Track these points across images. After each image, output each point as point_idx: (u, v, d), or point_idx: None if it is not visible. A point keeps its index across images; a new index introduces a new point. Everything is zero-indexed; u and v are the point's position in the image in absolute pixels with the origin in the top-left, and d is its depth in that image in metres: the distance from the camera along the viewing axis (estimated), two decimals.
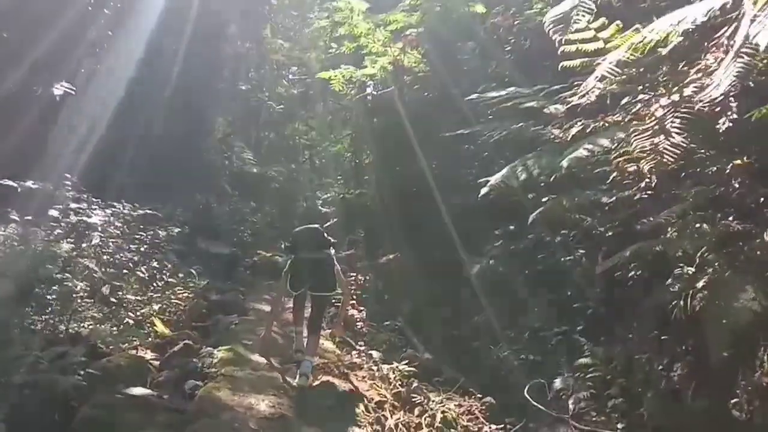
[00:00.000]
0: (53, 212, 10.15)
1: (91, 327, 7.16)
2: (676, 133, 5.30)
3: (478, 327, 10.30)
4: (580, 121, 8.13)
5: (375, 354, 8.77)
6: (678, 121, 5.37)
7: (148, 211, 11.14)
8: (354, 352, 9.01)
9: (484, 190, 7.58)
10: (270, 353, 7.28)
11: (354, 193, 25.32)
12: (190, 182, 22.34)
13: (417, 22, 13.53)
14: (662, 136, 5.37)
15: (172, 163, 23.02)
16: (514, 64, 12.17)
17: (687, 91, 5.62)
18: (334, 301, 8.73)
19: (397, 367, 7.83)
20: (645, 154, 5.47)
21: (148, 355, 7.33)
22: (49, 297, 7.33)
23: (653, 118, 5.73)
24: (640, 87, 7.05)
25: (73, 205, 10.05)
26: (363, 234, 23.98)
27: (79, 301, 7.59)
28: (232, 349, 6.92)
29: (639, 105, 7.11)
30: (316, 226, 7.45)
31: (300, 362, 6.70)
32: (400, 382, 7.47)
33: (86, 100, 14.39)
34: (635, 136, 5.63)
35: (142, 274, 9.17)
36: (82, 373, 5.51)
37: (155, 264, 9.88)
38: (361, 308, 11.84)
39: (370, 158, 23.02)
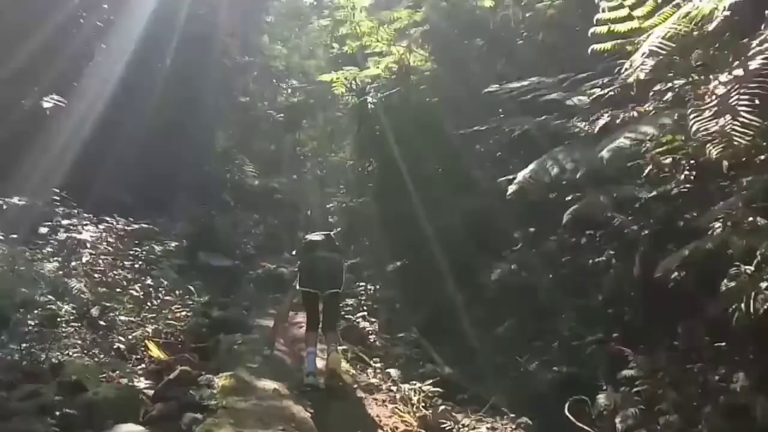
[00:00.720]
0: (42, 229, 9.36)
1: (76, 355, 6.27)
2: (746, 112, 4.43)
3: (501, 337, 9.38)
4: (607, 112, 7.34)
5: (393, 372, 7.88)
6: (746, 98, 4.51)
7: (144, 225, 10.30)
8: (370, 371, 8.13)
9: (512, 188, 6.67)
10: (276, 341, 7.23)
11: (357, 201, 24.47)
12: (191, 196, 21.58)
13: (422, 19, 12.65)
14: (728, 116, 4.50)
15: (171, 177, 22.26)
16: (526, 59, 11.30)
17: (753, 64, 4.75)
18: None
19: (419, 387, 6.93)
20: (709, 139, 4.61)
21: (142, 383, 6.45)
22: (30, 323, 6.46)
23: (714, 96, 4.86)
24: (672, 74, 6.27)
25: (63, 222, 9.25)
26: (368, 242, 23.13)
27: (64, 326, 6.71)
28: (234, 375, 6.00)
29: (673, 93, 6.36)
30: (329, 232, 7.96)
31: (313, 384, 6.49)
32: (424, 404, 6.56)
33: (77, 113, 13.54)
34: (695, 118, 4.75)
35: (136, 293, 8.30)
36: (58, 414, 4.61)
37: (150, 281, 9.01)
38: (373, 320, 10.95)
39: (374, 165, 22.19)
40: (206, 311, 9.93)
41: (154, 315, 7.94)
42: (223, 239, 17.28)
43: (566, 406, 6.70)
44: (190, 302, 8.88)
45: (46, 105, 11.39)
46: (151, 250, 9.97)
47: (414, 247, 18.10)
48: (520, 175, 6.63)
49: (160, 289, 8.74)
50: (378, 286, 12.37)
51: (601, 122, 6.99)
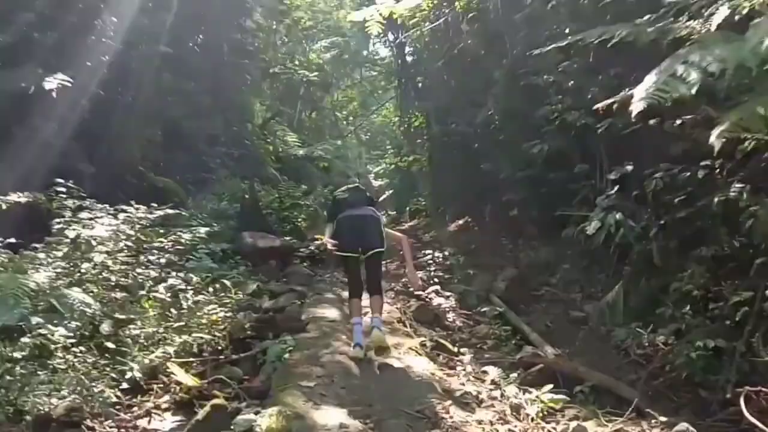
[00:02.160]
0: (51, 228, 7.66)
1: (70, 398, 4.50)
2: None
3: (610, 304, 7.38)
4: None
5: (493, 371, 5.98)
6: None
7: (170, 211, 8.52)
8: (459, 368, 6.26)
9: (638, 106, 4.53)
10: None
11: (407, 160, 22.52)
12: (232, 172, 19.90)
13: None
14: None
15: (205, 154, 20.63)
16: None
17: None
18: None
19: (537, 397, 5.00)
20: None
21: (166, 423, 4.69)
22: (12, 356, 4.73)
23: None
24: None
25: (72, 216, 7.52)
26: (424, 202, 21.21)
27: (60, 355, 4.95)
28: (282, 411, 4.09)
29: None
30: (357, 184, 7.06)
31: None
32: (547, 421, 4.64)
33: (90, 91, 11.81)
34: None
35: (161, 296, 6.51)
36: None
37: (181, 277, 7.23)
38: (447, 293, 9.02)
39: (421, 118, 20.14)
40: (252, 304, 8.17)
41: (183, 323, 6.15)
42: (271, 216, 15.50)
43: (741, 398, 4.67)
44: (230, 298, 6.99)
45: (49, 86, 9.60)
46: (181, 238, 8.19)
47: (477, 202, 16.15)
48: (642, 91, 4.50)
49: (189, 287, 6.92)
50: (446, 252, 10.44)
51: (719, 16, 5.12)
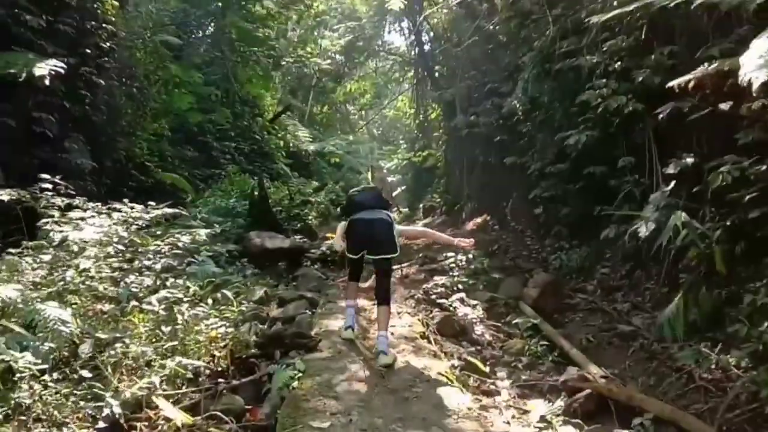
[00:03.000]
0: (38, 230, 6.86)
1: None
2: None
3: (667, 317, 6.42)
4: None
5: (539, 406, 5.06)
6: None
7: (168, 210, 7.67)
8: (496, 396, 5.34)
9: (760, 76, 3.55)
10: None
11: (422, 155, 21.58)
12: (243, 169, 19.09)
13: None
14: None
15: (212, 151, 19.81)
16: None
17: None
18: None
19: None
20: None
21: None
22: None
23: None
24: None
25: (58, 217, 6.70)
26: (439, 199, 20.27)
27: (25, 387, 4.07)
28: None
29: None
30: (374, 185, 6.99)
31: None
32: None
33: (89, 80, 10.99)
34: None
35: (153, 307, 5.62)
36: None
37: (178, 285, 6.35)
38: (474, 302, 8.06)
39: (438, 110, 19.19)
40: (258, 313, 7.28)
41: (177, 341, 5.26)
42: (281, 213, 14.64)
43: None
44: (229, 312, 6.07)
45: (39, 72, 8.74)
46: (179, 241, 7.31)
47: (498, 199, 15.22)
48: (756, 59, 3.55)
49: (186, 297, 6.01)
50: (469, 255, 9.48)
51: None
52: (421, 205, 21.96)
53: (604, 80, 8.29)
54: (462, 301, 7.93)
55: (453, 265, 9.44)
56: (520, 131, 12.92)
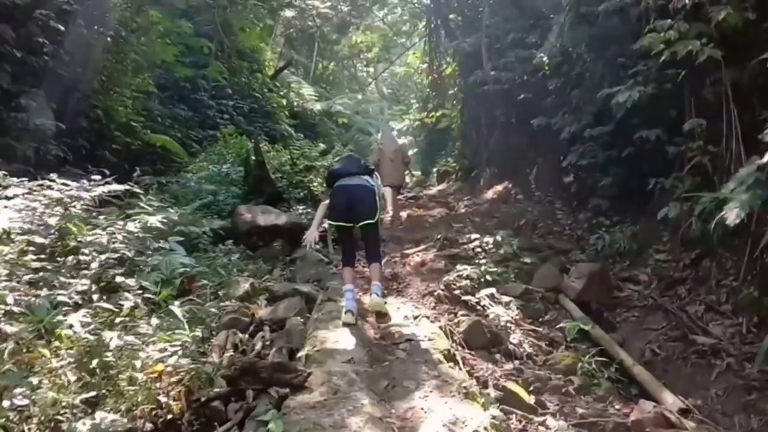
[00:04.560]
0: None
1: None
2: None
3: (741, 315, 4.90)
4: None
5: None
6: None
7: (117, 187, 6.16)
8: None
9: None
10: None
11: (435, 115, 19.87)
12: (242, 130, 17.47)
13: None
14: None
15: (217, 111, 18.22)
16: None
17: None
18: None
19: None
20: None
21: None
22: None
23: None
24: None
25: None
26: (454, 163, 18.61)
27: None
28: None
29: None
30: (351, 153, 7.32)
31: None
32: None
33: (51, 27, 9.38)
34: None
35: (74, 331, 4.08)
36: None
37: (129, 286, 4.84)
38: (506, 298, 6.49)
39: (453, 65, 17.37)
40: (238, 318, 5.77)
41: (113, 379, 3.77)
42: (281, 180, 13.08)
43: None
44: (186, 336, 4.47)
45: None
46: (144, 223, 5.79)
47: (521, 165, 13.59)
48: None
49: (125, 310, 4.48)
50: (498, 237, 7.85)
51: None
52: (434, 170, 20.35)
53: (669, 21, 6.58)
54: (492, 297, 6.39)
55: (478, 249, 7.86)
56: (547, 88, 11.27)
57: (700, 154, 6.64)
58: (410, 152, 23.91)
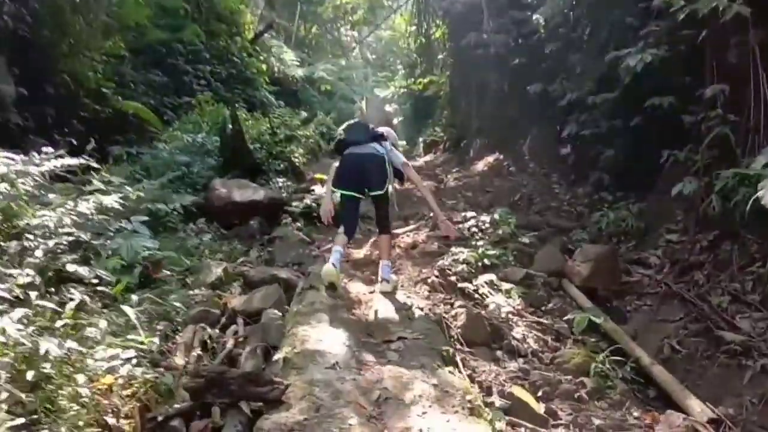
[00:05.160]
0: None
1: None
2: None
3: None
4: None
5: None
6: None
7: (71, 161, 5.48)
8: None
9: None
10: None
11: (422, 82, 19.10)
12: (219, 97, 16.66)
13: None
14: None
15: (193, 77, 17.35)
16: None
17: None
18: None
19: None
20: None
21: None
22: None
23: None
24: None
25: None
26: (442, 133, 17.91)
27: None
28: None
29: None
30: (358, 120, 6.61)
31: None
32: None
33: None
34: None
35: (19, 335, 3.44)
36: None
37: (82, 276, 4.21)
38: (507, 286, 5.90)
39: (443, 28, 16.54)
40: (207, 310, 5.16)
41: (52, 396, 3.16)
42: (260, 151, 12.36)
43: None
44: (143, 335, 3.86)
45: None
46: (98, 203, 5.11)
47: (513, 134, 12.94)
48: None
49: (86, 305, 3.87)
50: (495, 215, 7.21)
51: None
52: (421, 140, 19.64)
53: None
54: (491, 284, 5.80)
55: (474, 229, 7.24)
56: (544, 52, 10.61)
57: (721, 124, 6.05)
58: (394, 121, 23.27)
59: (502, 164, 12.42)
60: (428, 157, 17.19)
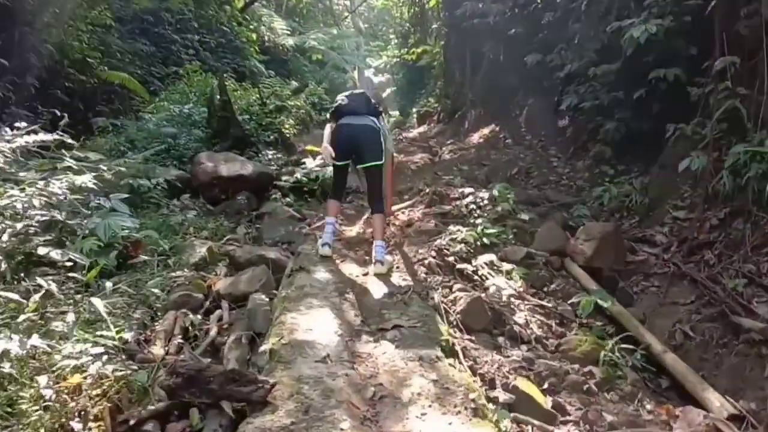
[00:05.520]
0: None
1: None
2: None
3: None
4: None
5: None
6: None
7: (45, 137, 5.12)
8: None
9: None
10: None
11: (416, 52, 18.55)
12: (208, 66, 16.13)
13: None
14: None
15: (181, 46, 16.79)
16: None
17: None
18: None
19: None
20: None
21: None
22: None
23: None
24: None
25: None
26: (436, 104, 17.43)
27: None
28: None
29: None
30: (362, 91, 6.21)
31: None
32: None
33: None
34: None
35: None
36: None
37: (54, 259, 3.83)
38: (508, 266, 5.56)
39: None
40: (190, 293, 4.79)
41: (13, 398, 2.81)
42: (250, 122, 11.90)
43: None
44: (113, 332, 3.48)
45: None
46: (71, 183, 4.71)
47: (509, 106, 12.52)
48: None
49: (53, 296, 3.48)
50: (494, 191, 6.84)
51: None
52: (414, 110, 19.16)
53: None
54: (491, 265, 5.45)
55: (473, 206, 6.87)
56: (540, 22, 10.17)
57: (731, 97, 5.68)
58: (386, 92, 22.74)
59: (498, 136, 12.01)
60: (422, 129, 16.73)
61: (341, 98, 5.83)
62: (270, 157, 10.74)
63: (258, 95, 13.84)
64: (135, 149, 9.50)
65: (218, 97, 10.80)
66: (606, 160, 8.20)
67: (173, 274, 5.32)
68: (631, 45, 6.82)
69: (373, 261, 5.33)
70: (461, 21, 12.39)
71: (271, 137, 12.10)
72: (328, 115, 6.04)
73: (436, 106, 16.90)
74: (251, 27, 20.40)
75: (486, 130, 12.66)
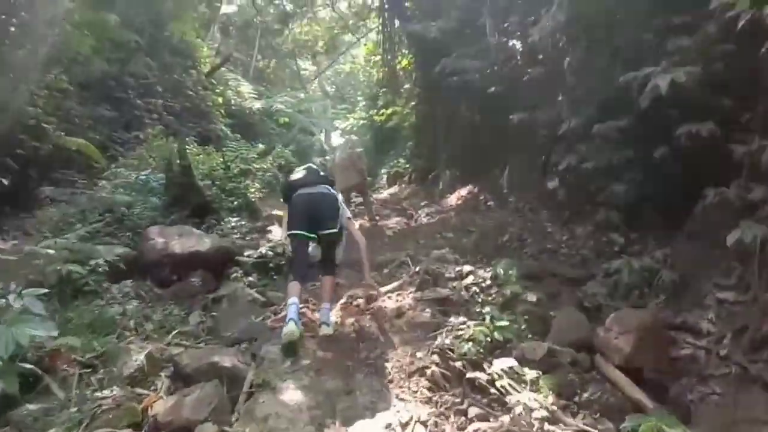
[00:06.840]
0: None
1: None
2: None
3: None
4: None
5: None
6: None
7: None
8: None
9: None
10: None
11: (385, 113, 17.42)
12: (171, 131, 14.81)
13: None
14: None
15: (145, 111, 15.44)
16: None
17: None
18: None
19: None
20: None
21: None
22: None
23: None
24: None
25: None
26: (407, 165, 16.21)
27: None
28: None
29: None
30: (311, 164, 6.08)
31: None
32: None
33: None
34: None
35: None
36: None
37: None
38: (531, 372, 4.16)
39: (409, 57, 14.90)
40: (119, 424, 3.34)
41: None
42: (212, 186, 10.52)
43: None
44: None
45: None
46: None
47: (489, 166, 11.30)
48: None
49: None
50: (499, 270, 5.46)
51: None
52: (383, 171, 17.93)
53: None
54: (512, 372, 4.03)
55: (474, 288, 5.47)
56: (522, 79, 9.05)
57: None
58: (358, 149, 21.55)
59: (478, 198, 10.77)
60: (393, 190, 15.47)
61: (294, 174, 5.74)
62: (233, 224, 9.34)
63: (221, 159, 12.48)
64: (85, 221, 8.12)
65: (178, 161, 9.45)
66: (614, 227, 6.91)
67: (98, 394, 3.83)
68: (646, 98, 5.64)
69: (319, 324, 5.07)
70: (437, 80, 11.23)
71: (235, 203, 10.76)
72: (281, 198, 5.74)
73: (408, 167, 15.67)
74: (217, 91, 19.18)
75: (463, 191, 11.44)
